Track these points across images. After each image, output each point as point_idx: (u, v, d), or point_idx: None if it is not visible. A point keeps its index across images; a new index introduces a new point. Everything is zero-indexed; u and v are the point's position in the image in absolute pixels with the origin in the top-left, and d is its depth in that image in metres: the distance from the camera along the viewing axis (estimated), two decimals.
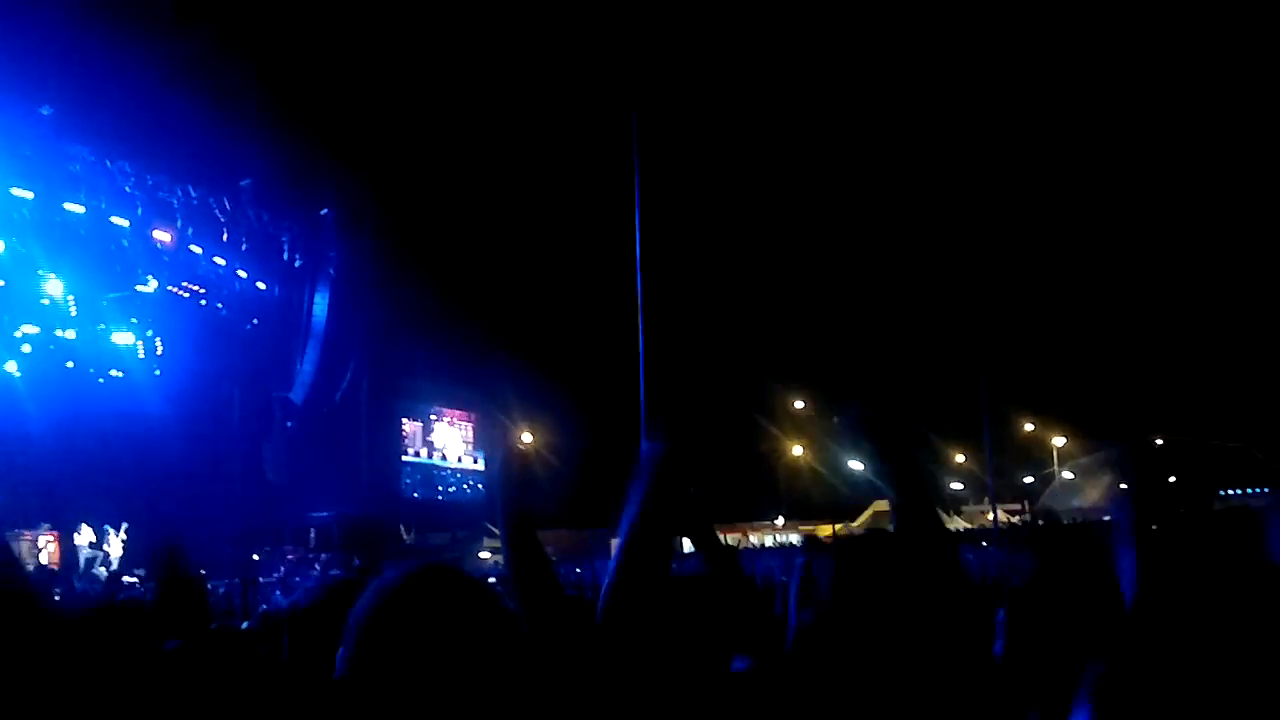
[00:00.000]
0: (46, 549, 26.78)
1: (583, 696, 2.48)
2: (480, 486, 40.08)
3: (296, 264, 30.17)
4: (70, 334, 29.07)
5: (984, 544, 29.93)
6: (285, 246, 29.74)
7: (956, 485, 54.73)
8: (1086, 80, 44.70)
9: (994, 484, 34.43)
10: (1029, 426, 52.97)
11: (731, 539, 43.97)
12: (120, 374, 30.03)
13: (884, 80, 43.46)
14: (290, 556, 27.72)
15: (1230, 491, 42.18)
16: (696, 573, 3.15)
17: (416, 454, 38.09)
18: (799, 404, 51.50)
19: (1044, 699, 2.21)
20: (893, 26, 41.61)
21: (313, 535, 28.88)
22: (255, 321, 30.49)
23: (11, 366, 28.92)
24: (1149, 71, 42.60)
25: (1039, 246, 47.12)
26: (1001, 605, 2.61)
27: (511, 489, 2.82)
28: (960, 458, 53.11)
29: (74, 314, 28.79)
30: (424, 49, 34.55)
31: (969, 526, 44.08)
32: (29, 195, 22.79)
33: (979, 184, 41.98)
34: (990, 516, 36.20)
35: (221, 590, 19.23)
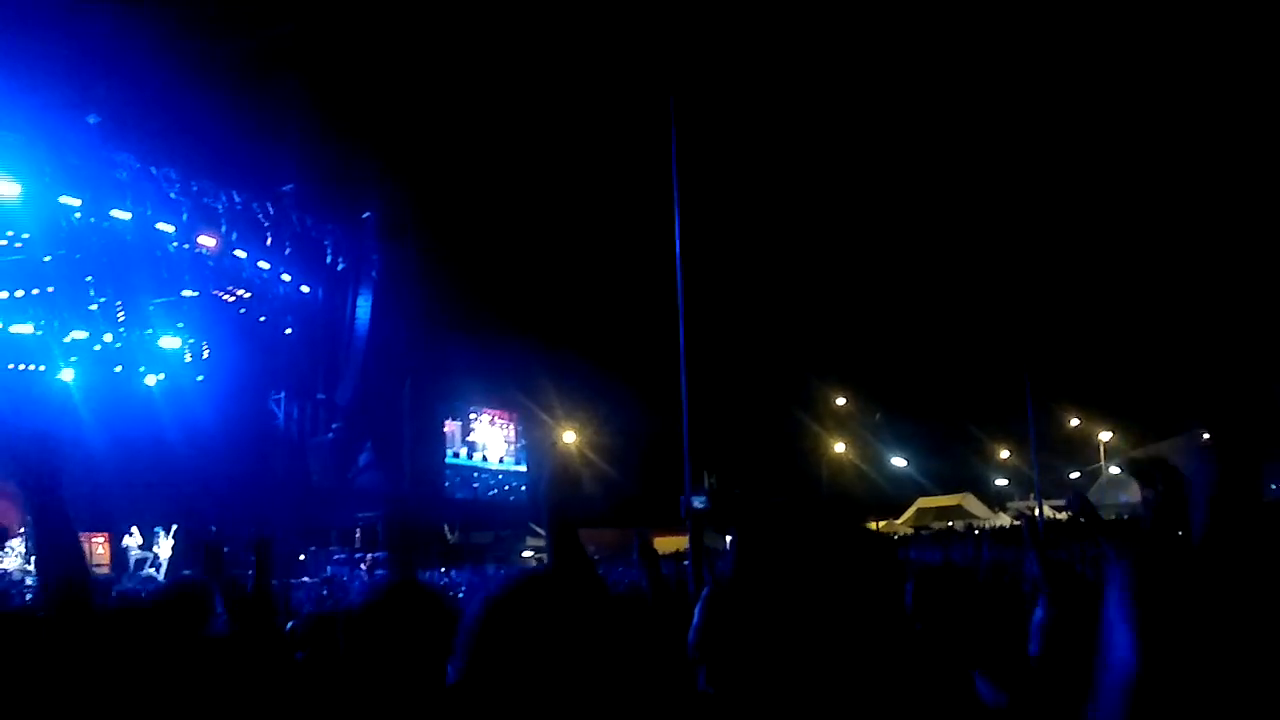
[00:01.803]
0: (97, 551, 27.18)
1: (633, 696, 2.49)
2: (523, 488, 40.22)
3: (339, 267, 30.40)
4: (118, 339, 29.54)
5: (1017, 522, 29.61)
6: (328, 250, 29.97)
7: (1001, 481, 54.31)
8: (1133, 77, 44.16)
9: (1040, 479, 34.07)
10: (1075, 421, 52.48)
11: None
12: (167, 378, 30.44)
13: (929, 73, 43.16)
14: (337, 557, 27.97)
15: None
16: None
17: (456, 454, 38.26)
18: (841, 400, 51.29)
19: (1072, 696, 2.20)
20: (936, 16, 41.29)
21: (358, 536, 29.13)
22: (299, 325, 30.78)
23: (67, 374, 29.39)
24: (1195, 62, 42.01)
25: (1085, 240, 46.63)
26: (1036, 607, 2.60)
27: (556, 491, 2.84)
28: (1005, 453, 52.71)
29: (121, 319, 29.24)
30: (462, 49, 34.71)
31: (1015, 522, 43.70)
32: (77, 203, 23.11)
33: (1026, 178, 41.61)
34: (1036, 513, 35.82)
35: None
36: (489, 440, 40.60)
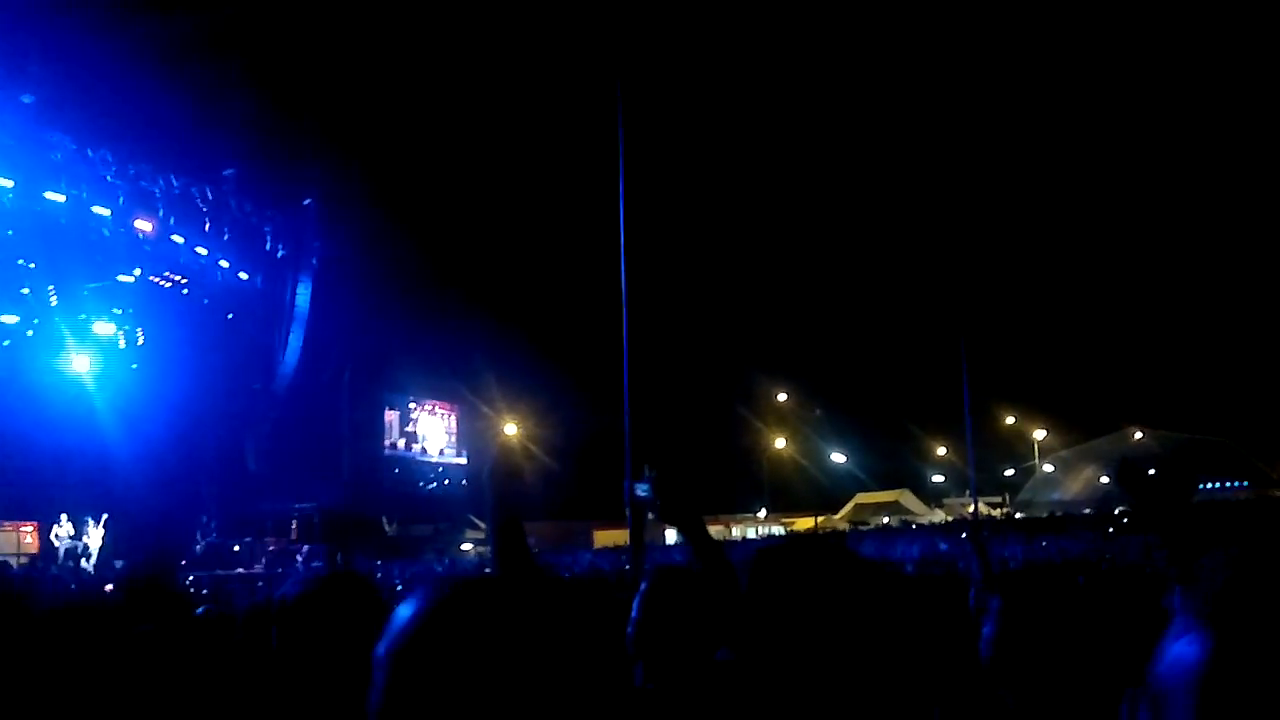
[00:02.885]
0: (25, 540, 26.67)
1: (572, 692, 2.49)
2: (463, 480, 40.02)
3: (279, 254, 30.03)
4: (50, 324, 28.92)
5: (963, 535, 30.04)
6: (268, 236, 29.59)
7: (938, 477, 54.98)
8: (1065, 77, 44.85)
9: (975, 476, 34.56)
10: (1010, 419, 53.26)
11: (714, 531, 44.07)
12: (100, 364, 29.86)
13: (869, 74, 43.52)
14: (272, 548, 27.64)
15: (1210, 484, 42.49)
16: (684, 565, 3.16)
17: (394, 445, 37.98)
18: (782, 397, 51.63)
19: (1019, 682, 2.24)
20: (876, 12, 41.64)
21: (294, 527, 28.83)
22: (237, 312, 30.37)
23: None
24: (1127, 69, 42.79)
25: (1023, 242, 47.34)
26: (993, 594, 2.63)
27: (500, 484, 2.83)
28: (942, 450, 53.36)
29: (54, 304, 28.63)
30: (406, 37, 34.43)
31: (950, 518, 44.29)
32: (9, 184, 22.64)
33: (965, 180, 42.12)
34: (971, 509, 36.35)
35: (199, 579, 19.19)
36: (429, 431, 40.35)
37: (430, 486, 39.02)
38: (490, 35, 37.66)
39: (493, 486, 2.82)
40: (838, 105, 45.08)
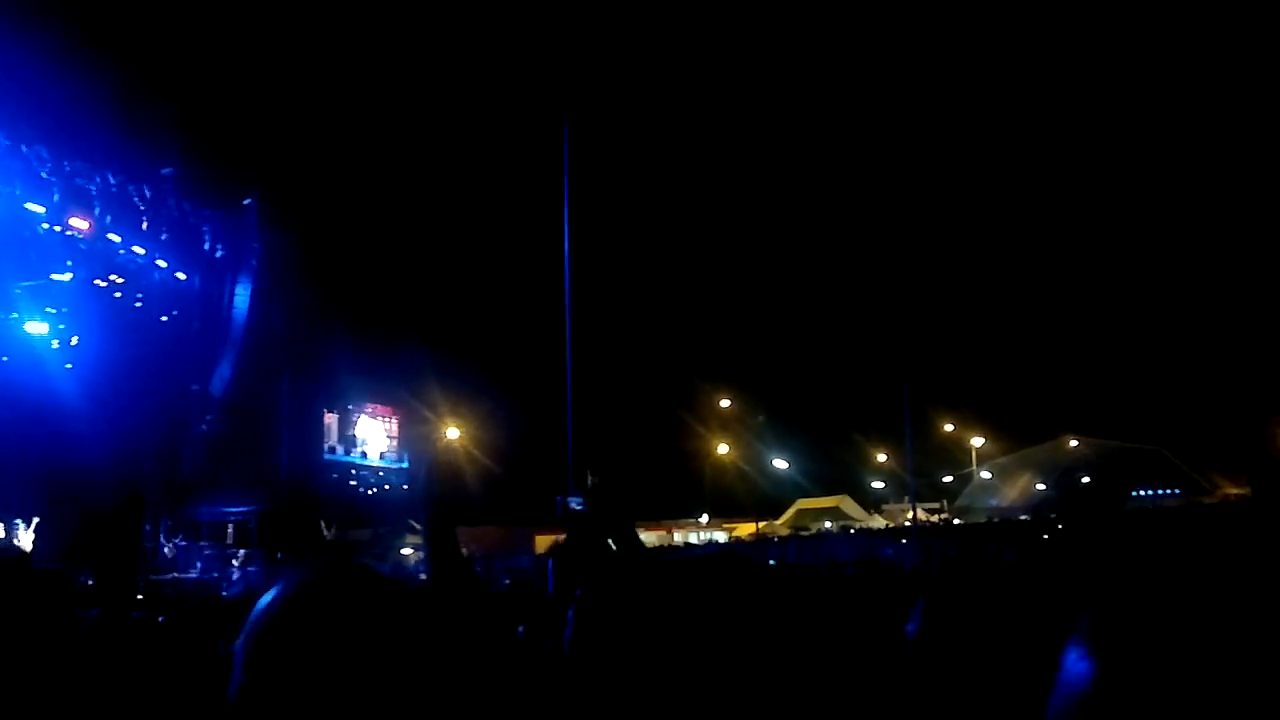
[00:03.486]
0: None
1: (509, 699, 2.49)
2: (403, 484, 39.74)
3: (218, 255, 29.65)
4: None
5: (903, 540, 30.40)
6: (207, 237, 29.22)
7: (878, 484, 55.50)
8: (1002, 84, 45.50)
9: (914, 482, 34.94)
10: (949, 427, 53.90)
11: (656, 536, 44.10)
12: (31, 365, 29.27)
13: (811, 84, 43.88)
14: (207, 552, 27.27)
15: (1142, 492, 43.26)
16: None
17: (332, 449, 37.65)
18: (725, 402, 51.86)
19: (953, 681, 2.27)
20: (819, 29, 42.01)
21: (231, 531, 28.45)
22: (174, 313, 29.94)
23: None
24: (1064, 70, 43.49)
25: (963, 252, 47.97)
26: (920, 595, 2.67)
27: (436, 488, 2.83)
28: (882, 457, 53.89)
29: None
30: (354, 40, 34.18)
31: (889, 524, 44.74)
32: None
33: (904, 189, 42.59)
34: (910, 515, 36.73)
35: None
36: (369, 435, 40.02)
37: (370, 490, 38.71)
38: (434, 39, 37.49)
39: (428, 490, 2.82)
40: (778, 113, 45.43)
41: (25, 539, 25.88)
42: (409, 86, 37.32)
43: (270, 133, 30.42)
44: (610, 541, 3.11)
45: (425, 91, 37.88)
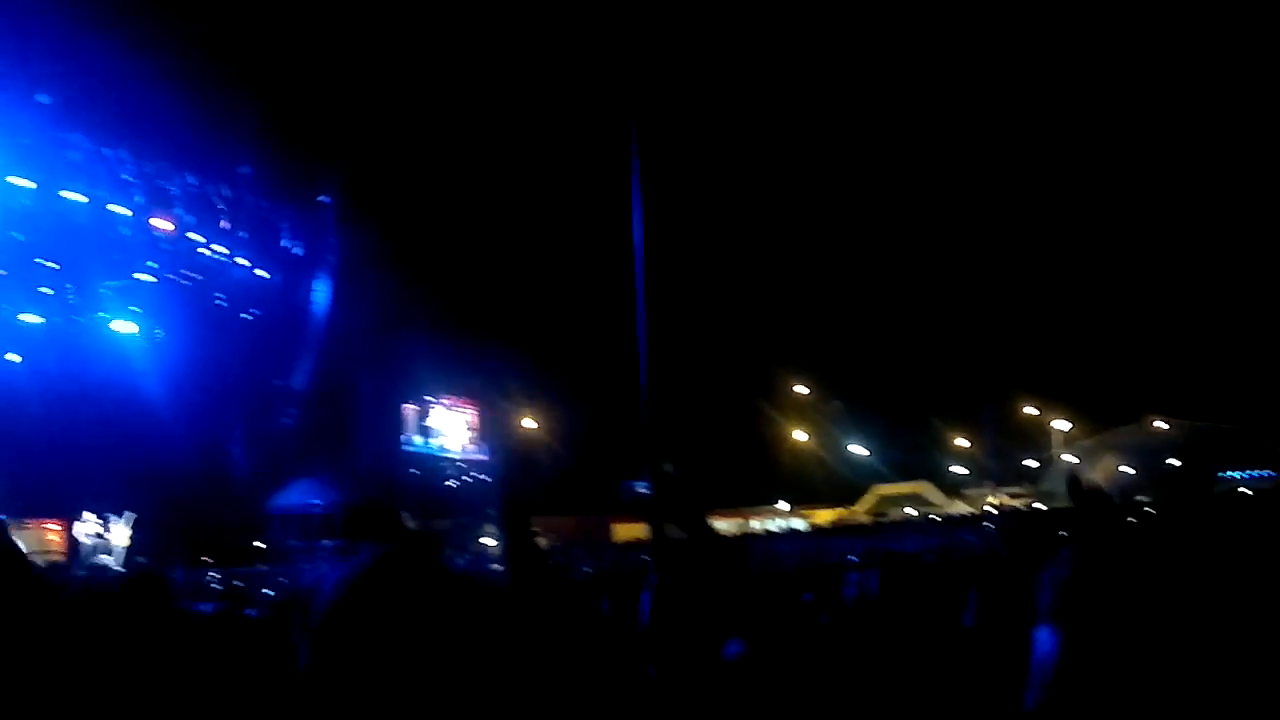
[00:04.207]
0: (50, 538, 26.87)
1: (581, 683, 2.49)
2: (482, 475, 40.10)
3: (297, 252, 30.13)
4: (70, 324, 29.09)
5: (985, 525, 29.95)
6: (285, 234, 29.70)
7: (959, 469, 54.78)
8: (1082, 71, 44.57)
9: (996, 467, 34.38)
10: (1030, 410, 53.01)
11: (733, 524, 44.03)
12: (120, 363, 30.01)
13: (886, 73, 43.35)
14: (294, 544, 27.80)
15: (1230, 474, 42.19)
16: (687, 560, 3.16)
17: (411, 441, 38.06)
18: (801, 388, 51.50)
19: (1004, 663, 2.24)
20: (893, 27, 41.49)
21: (315, 523, 28.90)
22: (256, 310, 30.48)
23: (14, 356, 28.97)
24: (1141, 62, 42.49)
25: (1043, 232, 47.10)
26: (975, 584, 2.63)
27: (511, 481, 2.85)
28: (962, 441, 53.16)
29: (75, 303, 28.80)
30: (429, 42, 34.50)
31: (971, 510, 44.14)
32: (29, 185, 22.77)
33: (979, 170, 41.95)
34: (992, 500, 36.21)
35: (219, 576, 19.31)
36: (447, 427, 40.41)
37: (449, 481, 39.10)
38: (506, 37, 37.69)
39: (502, 482, 2.84)
40: (854, 99, 44.96)
41: (119, 533, 26.57)
42: (482, 83, 37.59)
43: (346, 131, 30.83)
44: (679, 528, 3.10)
45: (498, 88, 38.12)
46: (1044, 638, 1.18)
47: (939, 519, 38.64)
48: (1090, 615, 1.21)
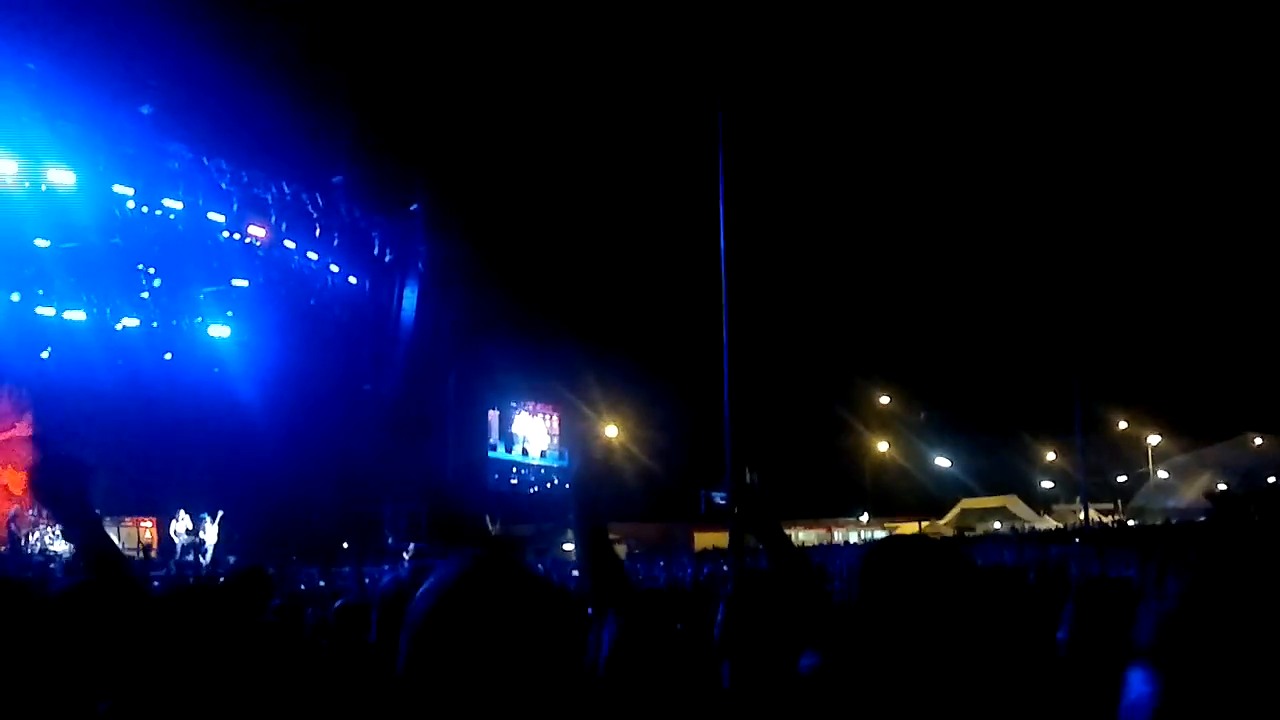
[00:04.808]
0: (145, 536, 27.62)
1: (649, 691, 2.52)
2: (565, 484, 40.36)
3: (386, 259, 30.61)
4: (169, 327, 29.96)
5: (1075, 540, 29.32)
6: (376, 241, 30.18)
7: (1047, 483, 53.78)
8: (1181, 88, 43.54)
9: (1086, 482, 33.65)
10: (1123, 424, 51.84)
11: (816, 535, 43.73)
12: (216, 366, 30.82)
13: (981, 72, 42.76)
14: (379, 546, 28.23)
15: None
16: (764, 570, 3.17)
17: (494, 446, 38.44)
18: (885, 400, 51.01)
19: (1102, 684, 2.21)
20: (984, 20, 40.89)
21: (401, 526, 29.37)
22: (346, 315, 31.04)
23: (118, 361, 29.92)
24: (1241, 74, 41.35)
25: (1136, 242, 46.06)
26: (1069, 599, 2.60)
27: (587, 491, 2.88)
28: (1051, 455, 52.19)
29: (172, 307, 29.66)
30: (512, 48, 34.87)
31: (1060, 525, 43.28)
32: (129, 192, 23.46)
33: (1074, 180, 41.16)
34: (1081, 516, 35.42)
35: (311, 575, 19.70)
36: (530, 433, 40.76)
37: (532, 487, 39.43)
38: (592, 46, 37.93)
39: (579, 487, 2.87)
40: (942, 104, 44.42)
41: (210, 532, 27.22)
42: (563, 84, 37.86)
43: (433, 138, 31.27)
44: (755, 538, 3.11)
45: (580, 89, 38.36)
46: (1137, 680, 1.11)
47: (1026, 534, 37.99)
48: (1199, 658, 1.12)
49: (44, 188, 22.10)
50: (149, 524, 27.82)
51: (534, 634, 1.34)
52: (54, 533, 25.71)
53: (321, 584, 19.47)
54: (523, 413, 40.24)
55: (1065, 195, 41.18)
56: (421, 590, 1.41)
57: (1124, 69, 42.07)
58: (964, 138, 44.48)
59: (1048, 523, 46.26)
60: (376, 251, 30.33)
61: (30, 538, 25.42)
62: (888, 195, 45.84)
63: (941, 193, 45.89)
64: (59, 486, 2.83)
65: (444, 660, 1.32)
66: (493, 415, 38.35)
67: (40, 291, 27.53)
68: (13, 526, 25.93)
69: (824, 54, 41.45)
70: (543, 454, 41.01)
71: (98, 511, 2.94)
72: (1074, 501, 45.64)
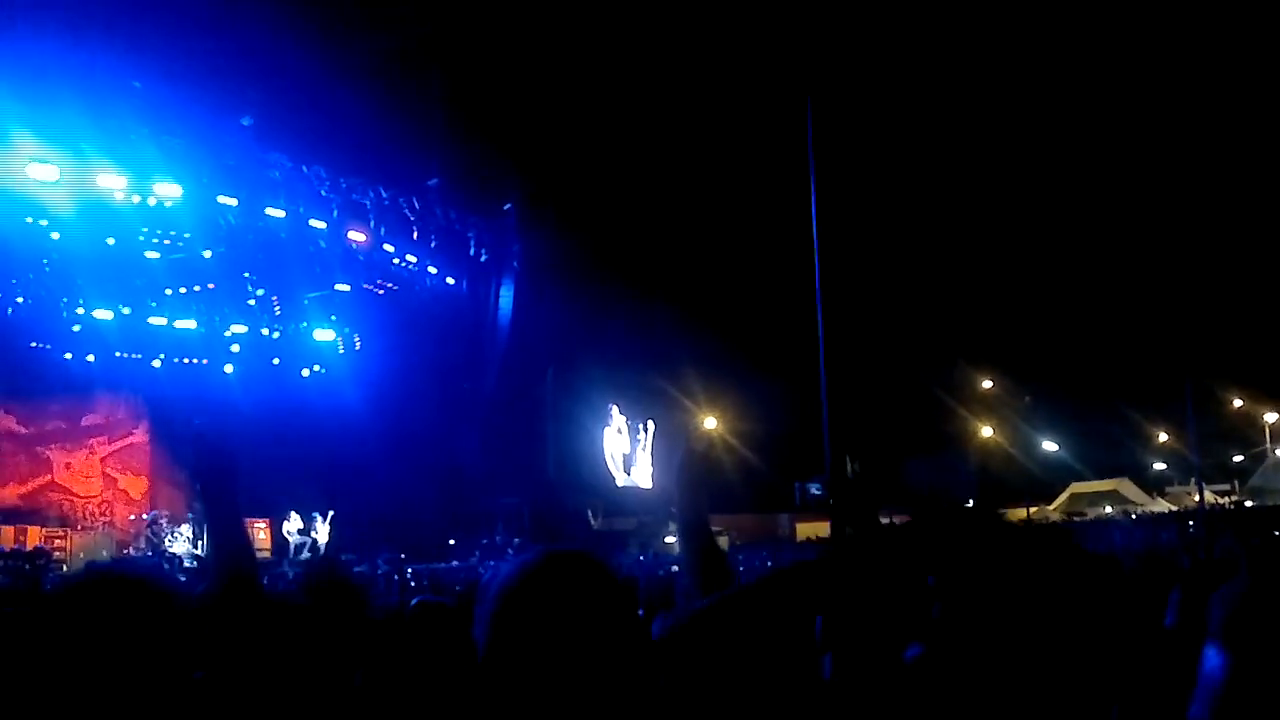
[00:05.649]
0: (259, 536, 28.38)
1: (754, 686, 2.51)
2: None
3: (482, 259, 30.95)
4: (275, 332, 30.76)
5: (1189, 524, 28.50)
6: (471, 242, 30.52)
7: (1160, 465, 52.36)
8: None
9: (1200, 463, 32.66)
10: (1238, 402, 50.22)
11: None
12: (322, 369, 31.55)
13: (1080, 51, 41.67)
14: (484, 542, 28.62)
15: None
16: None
17: (594, 439, 38.56)
18: (988, 384, 50.09)
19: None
20: (1080, 9, 39.85)
21: (504, 523, 29.73)
22: (445, 316, 31.49)
23: (228, 368, 30.83)
24: None
25: (1245, 213, 44.48)
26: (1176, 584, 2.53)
27: (689, 488, 2.88)
28: (1163, 436, 50.82)
29: (278, 313, 30.42)
30: (599, 42, 34.95)
31: (1174, 508, 42.12)
32: (234, 202, 24.01)
33: (1182, 152, 39.95)
34: (1196, 497, 34.41)
35: (418, 572, 20.03)
36: (629, 426, 40.82)
37: (631, 482, 39.52)
38: (681, 41, 37.84)
39: (681, 484, 2.88)
40: (1043, 87, 43.37)
41: (322, 531, 27.89)
42: (653, 76, 37.82)
43: (524, 135, 31.51)
44: (853, 528, 3.09)
45: (670, 80, 38.30)
46: (1211, 656, 1.11)
47: (1138, 518, 37.04)
48: (1268, 636, 1.12)
49: (152, 201, 22.77)
50: (262, 524, 28.62)
51: (594, 625, 1.36)
52: (175, 534, 26.63)
53: (426, 583, 19.78)
54: (620, 406, 40.21)
55: (1175, 165, 40.02)
56: (498, 581, 1.45)
57: (1240, 41, 40.61)
58: (1067, 105, 43.39)
59: (1161, 505, 45.05)
60: (472, 252, 30.67)
61: (166, 540, 26.40)
62: (987, 172, 44.92)
63: (1043, 166, 44.80)
64: (212, 479, 2.92)
65: (513, 651, 1.35)
66: (594, 410, 38.48)
67: (153, 303, 28.46)
68: (150, 531, 26.93)
69: (921, 24, 40.76)
70: (644, 447, 41.02)
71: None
72: (1189, 483, 44.35)
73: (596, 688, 1.37)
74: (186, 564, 25.44)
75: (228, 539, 2.94)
